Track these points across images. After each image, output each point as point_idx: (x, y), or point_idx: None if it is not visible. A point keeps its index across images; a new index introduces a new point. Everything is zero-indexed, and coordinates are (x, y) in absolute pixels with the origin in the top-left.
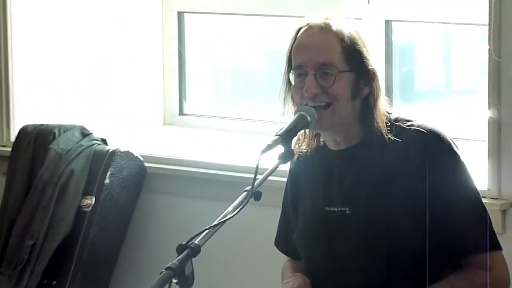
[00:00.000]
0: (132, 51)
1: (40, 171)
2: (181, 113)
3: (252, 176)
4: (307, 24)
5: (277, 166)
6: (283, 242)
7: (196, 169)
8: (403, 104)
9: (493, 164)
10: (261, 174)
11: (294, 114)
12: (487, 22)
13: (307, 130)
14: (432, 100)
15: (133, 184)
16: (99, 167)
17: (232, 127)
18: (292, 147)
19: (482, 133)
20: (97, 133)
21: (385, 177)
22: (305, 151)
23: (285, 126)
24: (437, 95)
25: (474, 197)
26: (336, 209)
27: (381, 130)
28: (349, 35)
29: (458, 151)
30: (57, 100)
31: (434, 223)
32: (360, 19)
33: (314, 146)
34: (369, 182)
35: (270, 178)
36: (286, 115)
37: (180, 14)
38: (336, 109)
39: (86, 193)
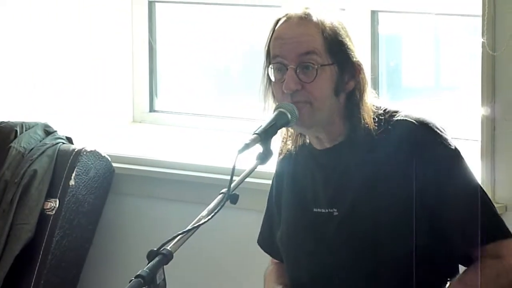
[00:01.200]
0: (99, 42)
1: (0, 171)
2: (151, 110)
3: (228, 177)
4: (286, 15)
5: (255, 167)
6: (267, 241)
7: (168, 170)
8: (390, 100)
9: (487, 165)
10: (238, 175)
11: (274, 111)
12: (480, 13)
13: (291, 128)
14: (420, 96)
15: (100, 185)
16: (63, 168)
17: (207, 125)
18: (271, 146)
19: (474, 132)
20: (61, 131)
21: (374, 175)
22: (290, 149)
23: (263, 124)
24: (426, 91)
25: (473, 185)
26: (324, 210)
27: (368, 126)
28: (330, 25)
29: (450, 138)
30: (18, 96)
31: (431, 219)
32: (344, 9)
33: (300, 144)
34: (357, 182)
35: (247, 179)
36: (266, 111)
37: (151, 4)
38: (315, 108)
39: (50, 195)
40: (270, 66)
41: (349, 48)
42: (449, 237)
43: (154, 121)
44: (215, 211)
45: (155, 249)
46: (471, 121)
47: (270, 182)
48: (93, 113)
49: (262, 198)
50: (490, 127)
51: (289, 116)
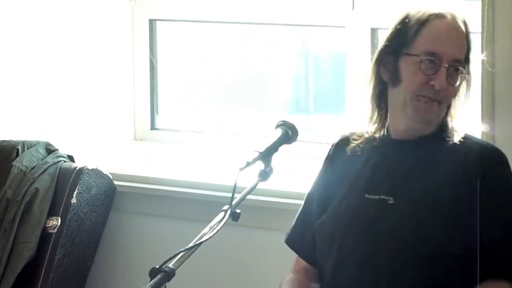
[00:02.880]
0: (101, 61)
1: (2, 190)
2: (152, 127)
3: (229, 195)
4: (441, 12)
5: (256, 184)
6: (297, 237)
7: (169, 188)
8: None
9: None
10: (240, 192)
11: (275, 128)
12: (479, 30)
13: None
14: None
15: (102, 203)
16: (65, 186)
17: (208, 142)
18: (272, 164)
19: None
20: (63, 150)
21: (442, 178)
22: (367, 136)
23: (265, 141)
24: None
25: None
26: (377, 197)
27: (452, 133)
28: (469, 33)
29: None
30: (20, 115)
31: (472, 238)
32: (344, 27)
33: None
34: (424, 178)
35: (249, 197)
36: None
37: (152, 22)
38: (442, 108)
39: (52, 213)
40: (416, 55)
41: (471, 59)
42: (480, 258)
43: (155, 139)
44: (217, 228)
45: (157, 266)
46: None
47: (271, 199)
48: (94, 131)
49: (264, 215)
50: None
51: (290, 133)
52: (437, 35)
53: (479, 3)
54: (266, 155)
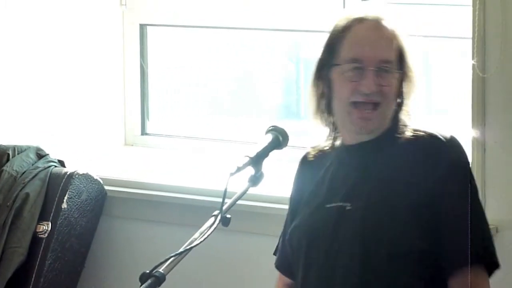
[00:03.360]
0: (91, 66)
1: None
2: (143, 132)
3: (220, 200)
4: (360, 16)
5: (247, 190)
6: (277, 254)
7: (160, 193)
8: None
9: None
10: (230, 198)
11: (266, 133)
12: (470, 35)
13: (328, 126)
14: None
15: (93, 208)
16: (56, 191)
17: (198, 147)
18: (263, 169)
19: None
20: (53, 154)
21: (396, 177)
22: (326, 149)
23: (256, 147)
24: (417, 113)
25: (482, 212)
26: (335, 205)
27: (403, 130)
28: (400, 33)
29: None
30: (10, 120)
31: (435, 231)
32: None
33: (331, 144)
34: (377, 180)
35: (239, 202)
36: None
37: (143, 27)
38: (384, 110)
39: (42, 218)
40: (340, 64)
41: (409, 55)
42: (443, 252)
43: (146, 144)
44: (207, 233)
45: (148, 271)
46: (462, 144)
47: (261, 204)
48: (85, 136)
49: (254, 220)
50: (481, 150)
51: (281, 138)
52: (357, 40)
53: (470, 9)
54: (257, 161)
